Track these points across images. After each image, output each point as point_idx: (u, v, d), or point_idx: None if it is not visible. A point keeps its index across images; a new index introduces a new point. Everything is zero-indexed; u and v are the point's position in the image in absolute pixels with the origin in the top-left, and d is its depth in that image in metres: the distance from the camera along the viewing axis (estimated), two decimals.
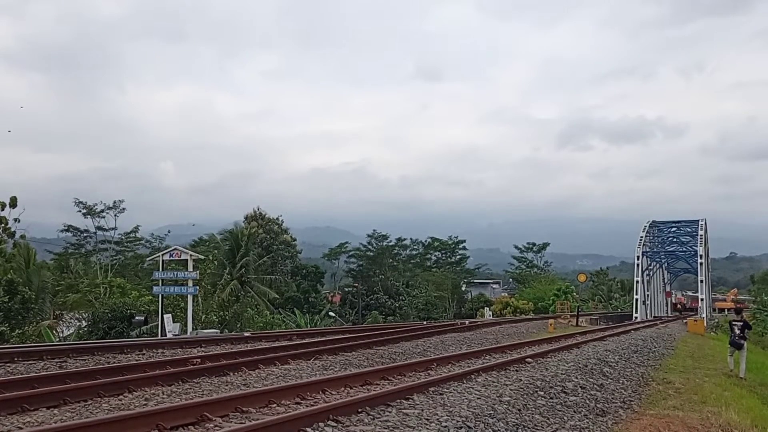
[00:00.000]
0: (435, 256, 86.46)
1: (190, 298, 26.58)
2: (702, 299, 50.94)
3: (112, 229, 58.97)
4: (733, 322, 17.74)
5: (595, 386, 11.58)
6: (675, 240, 61.16)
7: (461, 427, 7.37)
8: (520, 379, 10.94)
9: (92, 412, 7.70)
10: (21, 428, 6.86)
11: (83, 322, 34.90)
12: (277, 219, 60.89)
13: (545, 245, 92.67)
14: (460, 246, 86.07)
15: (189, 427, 6.88)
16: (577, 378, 11.91)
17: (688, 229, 59.19)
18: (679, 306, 72.75)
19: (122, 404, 8.22)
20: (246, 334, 21.01)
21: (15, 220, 40.34)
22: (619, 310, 65.13)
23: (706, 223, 56.94)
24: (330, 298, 63.78)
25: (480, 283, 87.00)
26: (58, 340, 29.42)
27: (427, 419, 7.57)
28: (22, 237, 40.90)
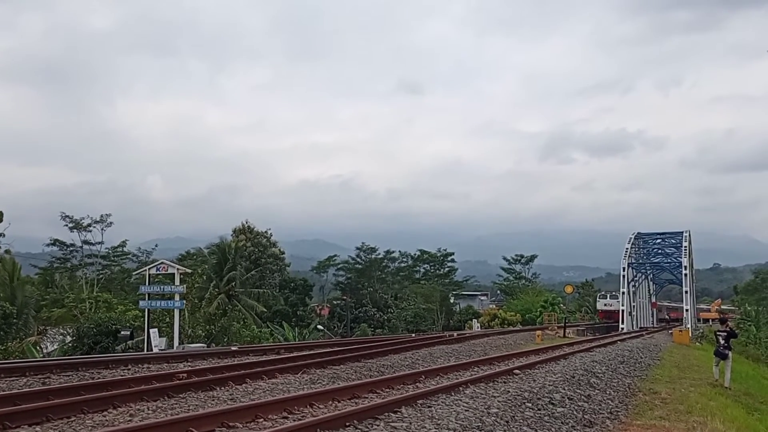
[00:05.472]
0: (423, 268, 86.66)
1: (176, 313, 26.35)
2: (687, 309, 51.50)
3: (99, 243, 58.32)
4: (718, 332, 17.88)
5: (582, 397, 11.63)
6: (660, 251, 61.83)
7: None
8: (508, 391, 10.97)
9: (76, 429, 7.61)
10: None
11: (68, 337, 34.41)
12: (266, 232, 60.60)
13: (533, 257, 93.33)
14: (449, 258, 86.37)
15: None
16: (564, 389, 11.96)
17: (673, 241, 59.92)
18: (668, 317, 73.27)
19: (106, 420, 8.13)
20: (233, 348, 20.85)
21: (0, 234, 39.93)
22: (606, 321, 65.40)
23: (690, 235, 57.69)
24: (318, 311, 63.39)
25: (468, 295, 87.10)
26: (42, 355, 28.97)
27: None
28: (7, 252, 40.45)
